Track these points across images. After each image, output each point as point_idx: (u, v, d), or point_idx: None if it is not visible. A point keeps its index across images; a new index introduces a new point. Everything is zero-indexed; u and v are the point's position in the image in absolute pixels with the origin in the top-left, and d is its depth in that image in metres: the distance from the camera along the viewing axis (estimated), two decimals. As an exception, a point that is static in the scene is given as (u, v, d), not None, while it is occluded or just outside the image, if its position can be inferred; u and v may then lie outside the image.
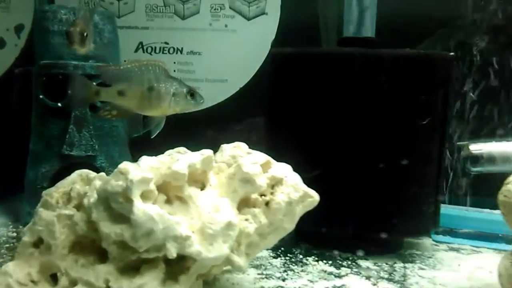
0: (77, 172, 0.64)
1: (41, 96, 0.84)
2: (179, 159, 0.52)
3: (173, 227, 0.48)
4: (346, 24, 0.80)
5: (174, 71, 1.06)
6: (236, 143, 0.61)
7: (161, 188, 0.51)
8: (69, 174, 0.89)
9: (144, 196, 0.48)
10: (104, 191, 0.50)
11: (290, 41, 1.02)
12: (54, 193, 0.60)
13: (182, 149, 0.62)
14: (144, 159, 0.52)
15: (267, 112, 0.84)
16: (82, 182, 0.62)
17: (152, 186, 0.49)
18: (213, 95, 1.04)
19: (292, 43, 1.02)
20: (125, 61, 0.96)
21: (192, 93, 0.70)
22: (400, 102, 0.71)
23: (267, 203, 0.56)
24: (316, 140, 0.75)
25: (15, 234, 0.82)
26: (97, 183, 0.55)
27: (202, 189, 0.55)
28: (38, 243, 0.55)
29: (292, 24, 1.02)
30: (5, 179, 0.98)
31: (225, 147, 0.61)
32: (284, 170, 0.58)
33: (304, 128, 0.76)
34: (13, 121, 0.94)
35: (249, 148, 0.61)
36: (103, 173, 0.57)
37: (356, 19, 0.79)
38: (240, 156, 0.59)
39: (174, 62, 1.06)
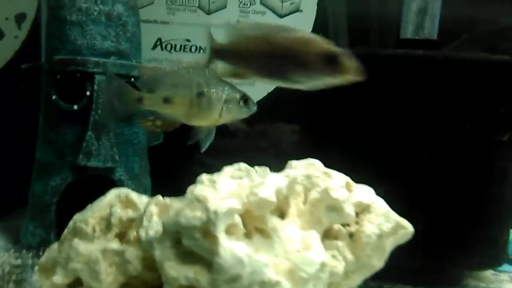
0: (114, 191, 0.53)
1: (54, 97, 0.72)
2: (263, 183, 0.42)
3: (261, 271, 0.38)
4: (404, 25, 0.72)
5: (196, 71, 0.96)
6: (310, 160, 0.51)
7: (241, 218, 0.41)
8: (83, 188, 0.81)
9: (228, 232, 0.38)
10: (175, 224, 0.39)
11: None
12: (90, 218, 0.49)
13: (243, 165, 0.52)
14: (222, 182, 0.42)
15: (314, 121, 0.75)
16: (122, 205, 0.51)
17: (238, 219, 0.39)
18: (239, 99, 0.94)
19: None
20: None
21: (245, 99, 0.61)
22: (475, 113, 0.63)
23: (351, 235, 0.47)
24: (376, 155, 0.66)
25: (19, 261, 0.69)
26: (154, 209, 0.44)
27: (282, 218, 0.45)
28: (74, 285, 0.44)
29: (330, 22, 0.93)
30: (3, 191, 0.86)
31: (296, 164, 0.51)
32: (369, 194, 0.49)
33: (363, 141, 0.67)
34: (15, 124, 0.82)
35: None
36: (159, 198, 0.47)
37: (415, 20, 0.71)
38: (316, 176, 0.49)
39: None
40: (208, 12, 0.94)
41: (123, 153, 0.77)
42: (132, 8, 0.77)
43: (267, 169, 0.57)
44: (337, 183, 0.46)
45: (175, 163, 1.01)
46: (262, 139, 1.09)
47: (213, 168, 1.11)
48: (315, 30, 0.93)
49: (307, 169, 0.50)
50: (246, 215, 0.41)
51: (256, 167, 0.56)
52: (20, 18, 0.90)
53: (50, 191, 0.73)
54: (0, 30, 0.90)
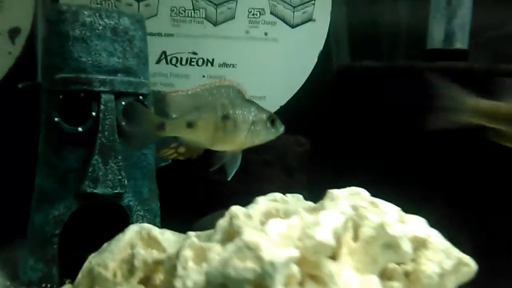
0: (134, 228, 0.47)
1: (56, 119, 0.66)
2: (318, 223, 0.37)
3: (322, 327, 0.33)
4: (431, 34, 0.68)
5: (203, 86, 0.90)
6: (354, 189, 0.47)
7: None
8: (88, 217, 0.74)
9: (286, 283, 0.33)
10: (222, 276, 0.34)
11: (342, 53, 0.89)
12: (109, 261, 0.44)
13: (278, 195, 0.47)
14: (271, 224, 0.37)
15: (334, 139, 0.70)
16: (144, 243, 0.46)
17: (295, 268, 0.34)
18: (249, 114, 0.89)
19: (344, 56, 0.90)
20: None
21: (272, 120, 0.56)
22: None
23: (407, 274, 0.42)
24: (409, 176, 0.62)
25: (20, 303, 0.63)
26: (188, 254, 0.39)
27: (333, 258, 0.40)
28: None
29: (345, 33, 0.89)
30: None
31: (337, 194, 0.46)
32: (423, 227, 0.44)
33: (395, 160, 0.63)
34: (11, 147, 0.75)
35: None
36: (192, 239, 0.41)
37: (444, 28, 0.67)
38: (363, 207, 0.44)
39: (203, 76, 0.90)
40: (215, 24, 0.89)
41: (131, 177, 0.71)
42: (139, 21, 0.71)
43: (300, 196, 0.52)
44: (391, 217, 0.41)
45: (181, 183, 0.95)
46: (269, 153, 1.05)
47: (221, 184, 1.05)
48: (328, 41, 0.89)
49: (352, 199, 0.45)
50: (299, 261, 0.36)
51: (288, 195, 0.51)
52: (14, 33, 0.84)
53: (52, 222, 0.67)
54: (-8, 46, 0.84)
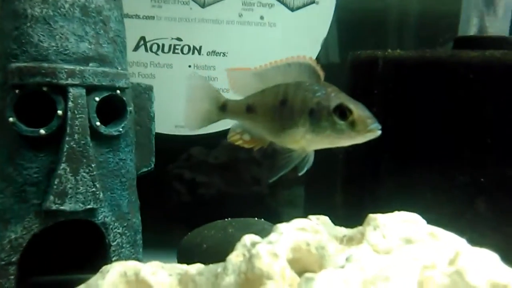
0: (117, 268, 0.36)
1: (11, 119, 0.52)
2: (388, 278, 0.26)
3: None
4: (464, 20, 0.59)
5: (189, 77, 0.78)
6: (406, 215, 0.36)
7: None
8: (52, 240, 0.62)
9: None
10: None
11: (350, 39, 0.79)
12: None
13: (307, 224, 0.37)
14: (321, 280, 0.26)
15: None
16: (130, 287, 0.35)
17: None
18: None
19: (351, 43, 0.80)
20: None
21: (343, 111, 0.42)
22: None
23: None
24: (434, 182, 0.52)
25: None
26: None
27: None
28: None
29: (353, 17, 0.78)
30: None
31: (383, 221, 0.36)
32: (500, 268, 0.34)
33: (421, 164, 0.53)
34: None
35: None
36: (192, 274, 0.30)
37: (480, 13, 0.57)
38: (421, 240, 0.34)
39: (189, 66, 0.78)
40: (203, 5, 0.77)
41: (107, 188, 0.59)
42: (115, 0, 0.59)
43: (327, 219, 0.42)
44: (465, 258, 0.31)
45: (165, 190, 0.84)
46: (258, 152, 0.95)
47: (209, 187, 0.93)
48: (333, 26, 0.78)
49: (403, 227, 0.35)
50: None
51: (313, 218, 0.41)
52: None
53: (8, 247, 0.54)
54: None
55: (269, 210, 0.93)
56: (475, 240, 0.49)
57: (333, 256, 0.32)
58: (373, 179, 0.55)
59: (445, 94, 0.50)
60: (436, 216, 0.51)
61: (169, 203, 0.83)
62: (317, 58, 0.79)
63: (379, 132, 0.42)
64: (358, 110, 0.42)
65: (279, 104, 0.44)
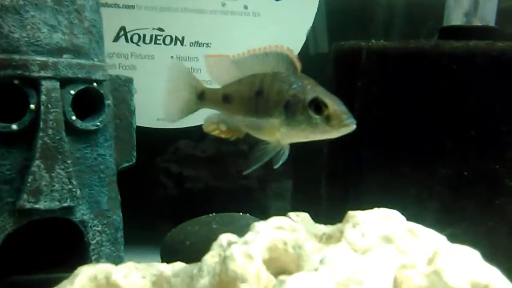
0: (87, 272, 0.35)
1: (-19, 114, 0.51)
2: (362, 282, 0.25)
3: None
4: (449, 9, 0.57)
5: (172, 69, 0.76)
6: (385, 212, 0.35)
7: None
8: (28, 240, 0.60)
9: None
10: None
11: (335, 29, 0.77)
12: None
13: (285, 222, 0.35)
14: (294, 281, 0.25)
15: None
16: (100, 294, 0.33)
17: None
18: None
19: (337, 33, 0.78)
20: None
21: (318, 105, 0.41)
22: None
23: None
24: (425, 177, 0.51)
25: None
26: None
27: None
28: None
29: (338, 7, 0.76)
30: None
31: (363, 218, 0.35)
32: (482, 266, 0.33)
33: (408, 158, 0.52)
34: None
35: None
36: (166, 274, 0.29)
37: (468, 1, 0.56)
38: (400, 237, 0.33)
39: (172, 57, 0.76)
40: (186, -6, 0.75)
41: (85, 184, 0.57)
42: (90, -13, 0.56)
43: (307, 216, 0.40)
44: (444, 256, 0.30)
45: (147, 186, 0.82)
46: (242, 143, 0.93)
47: (196, 181, 0.91)
48: (319, 16, 0.76)
49: (383, 225, 0.34)
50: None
51: (292, 215, 0.39)
52: None
53: (-18, 247, 0.52)
54: None
55: (257, 204, 0.92)
56: (458, 235, 0.48)
57: (310, 255, 0.31)
58: (357, 173, 0.54)
59: (429, 86, 0.49)
60: (419, 210, 0.50)
61: (153, 199, 0.81)
62: (303, 48, 0.77)
63: (354, 127, 0.42)
64: (333, 105, 0.41)
65: (255, 95, 0.43)
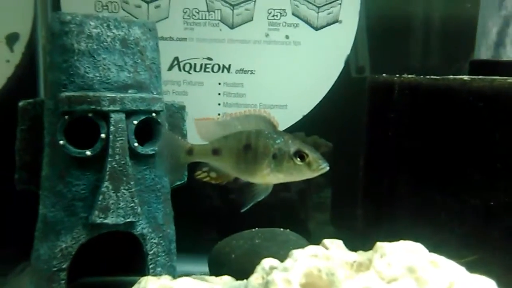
0: (152, 286, 0.41)
1: (62, 142, 0.59)
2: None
3: None
4: (480, 43, 0.60)
5: (219, 94, 0.83)
6: (410, 245, 0.40)
7: None
8: (99, 248, 0.68)
9: None
10: None
11: (372, 57, 0.81)
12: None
13: (320, 251, 0.41)
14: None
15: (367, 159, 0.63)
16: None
17: None
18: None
19: (375, 60, 0.82)
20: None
21: (301, 155, 0.51)
22: None
23: None
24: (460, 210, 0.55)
25: None
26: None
27: None
28: None
29: (375, 35, 0.80)
30: (1, 246, 0.73)
31: (389, 249, 0.40)
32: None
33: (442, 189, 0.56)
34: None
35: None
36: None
37: (496, 34, 0.59)
38: (423, 269, 0.38)
39: (219, 83, 0.83)
40: (232, 26, 0.82)
41: (145, 203, 0.64)
42: (151, 30, 0.64)
43: (341, 243, 0.46)
44: (460, 285, 0.35)
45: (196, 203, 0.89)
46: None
47: (237, 193, 0.97)
48: (356, 45, 0.81)
49: (407, 256, 0.39)
50: None
51: (327, 242, 0.45)
52: (12, 39, 0.77)
53: (59, 255, 0.61)
54: (-12, 53, 0.77)
55: (297, 216, 0.97)
56: (486, 260, 0.52)
57: (342, 282, 0.36)
58: (390, 199, 0.58)
59: (457, 120, 0.53)
60: (448, 235, 0.54)
61: (201, 212, 0.88)
62: (341, 74, 0.82)
63: (327, 169, 0.53)
64: (312, 153, 0.52)
65: (243, 148, 0.53)
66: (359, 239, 0.65)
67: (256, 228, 0.77)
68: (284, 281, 0.35)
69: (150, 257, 0.65)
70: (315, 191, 0.96)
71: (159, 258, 0.66)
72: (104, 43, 0.60)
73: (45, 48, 0.66)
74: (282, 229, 0.77)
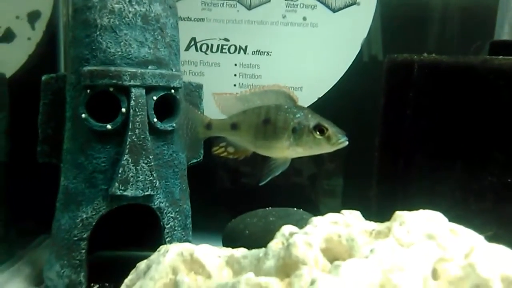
0: (175, 249, 0.42)
1: (83, 115, 0.61)
2: (403, 268, 0.31)
3: None
4: (499, 21, 0.60)
5: (235, 75, 0.84)
6: (429, 213, 0.41)
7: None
8: (117, 220, 0.70)
9: None
10: None
11: (389, 40, 0.81)
12: (151, 291, 0.39)
13: (340, 218, 0.42)
14: (347, 267, 0.31)
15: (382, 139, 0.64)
16: (187, 267, 0.41)
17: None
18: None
19: (391, 44, 0.82)
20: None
21: (321, 129, 0.51)
22: None
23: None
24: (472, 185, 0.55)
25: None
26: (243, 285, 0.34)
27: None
28: None
29: (393, 18, 0.80)
30: (20, 215, 0.75)
31: (408, 217, 0.40)
32: (511, 260, 0.38)
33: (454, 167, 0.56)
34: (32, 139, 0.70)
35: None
36: (249, 276, 0.36)
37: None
38: (442, 236, 0.38)
39: (235, 64, 0.84)
40: (249, 7, 0.82)
41: (162, 177, 0.66)
42: (171, 8, 0.65)
43: (358, 213, 0.46)
44: (478, 251, 0.36)
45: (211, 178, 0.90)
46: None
47: (250, 176, 0.98)
48: (373, 27, 0.81)
49: (427, 224, 0.40)
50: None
51: (345, 212, 0.45)
52: (33, 17, 0.78)
53: (80, 225, 0.63)
54: (10, 31, 0.78)
55: (308, 200, 0.98)
56: (500, 236, 0.52)
57: (361, 247, 0.37)
58: (405, 177, 0.59)
59: (476, 99, 0.53)
60: (464, 212, 0.54)
61: (215, 191, 0.89)
62: (357, 57, 0.82)
63: (346, 143, 0.53)
64: (331, 127, 0.53)
65: (262, 123, 0.54)
66: (373, 220, 0.66)
67: (270, 208, 0.78)
68: (305, 243, 0.36)
69: (166, 230, 0.66)
70: (325, 177, 0.96)
71: (175, 232, 0.67)
72: (126, 19, 0.60)
73: (67, 24, 0.67)
74: (295, 209, 0.78)
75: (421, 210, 0.41)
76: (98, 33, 0.60)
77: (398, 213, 0.41)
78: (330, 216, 0.41)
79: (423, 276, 0.31)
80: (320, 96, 0.84)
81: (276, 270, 0.39)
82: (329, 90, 0.83)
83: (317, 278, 0.29)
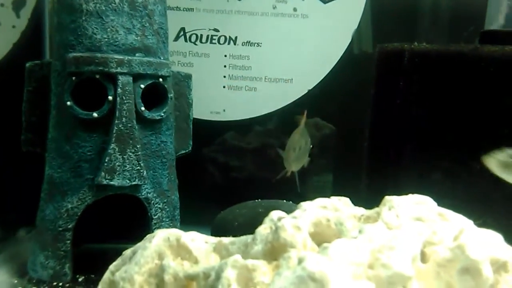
0: (161, 234, 0.42)
1: (69, 103, 0.59)
2: (394, 247, 0.30)
3: None
4: (491, 13, 0.60)
5: (225, 66, 0.83)
6: (419, 198, 0.40)
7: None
8: (106, 213, 0.69)
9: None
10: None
11: (380, 31, 0.81)
12: (136, 275, 0.38)
13: (328, 202, 0.41)
14: (336, 246, 0.30)
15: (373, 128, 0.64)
16: (173, 253, 0.40)
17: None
18: (273, 98, 0.83)
19: (382, 34, 0.82)
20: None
21: None
22: None
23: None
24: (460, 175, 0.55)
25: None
26: (231, 275, 0.33)
27: (402, 284, 0.34)
28: None
29: (384, 8, 0.80)
30: (2, 210, 0.74)
31: (398, 202, 0.40)
32: (502, 246, 0.38)
33: (444, 155, 0.56)
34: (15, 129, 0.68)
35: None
36: (236, 258, 0.35)
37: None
38: (431, 220, 0.38)
39: (225, 55, 0.83)
40: (240, -3, 0.81)
41: (150, 167, 0.65)
42: (160, -6, 0.64)
43: (347, 200, 0.46)
44: (467, 234, 0.35)
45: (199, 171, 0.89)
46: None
47: (241, 170, 0.97)
48: (363, 20, 0.81)
49: (416, 208, 0.39)
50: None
51: (334, 198, 0.45)
52: (18, 4, 0.77)
53: (65, 215, 0.61)
54: (-5, 18, 0.76)
55: (297, 195, 0.98)
56: (490, 224, 0.52)
57: (350, 231, 0.37)
58: (396, 167, 0.58)
59: (467, 87, 0.53)
60: (454, 201, 0.54)
61: (204, 184, 0.88)
62: (348, 48, 0.82)
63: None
64: None
65: None
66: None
67: (259, 200, 0.78)
68: (294, 227, 0.36)
69: (154, 221, 0.65)
70: (315, 171, 0.96)
71: (163, 223, 0.66)
72: (112, 4, 0.59)
73: (52, 9, 0.65)
74: (284, 201, 0.77)
75: (410, 195, 0.40)
76: (83, 18, 0.59)
77: (387, 198, 0.41)
78: (319, 201, 0.41)
79: (412, 257, 0.31)
80: (310, 88, 0.83)
81: (264, 254, 0.38)
82: (319, 82, 0.83)
83: (305, 256, 0.29)
